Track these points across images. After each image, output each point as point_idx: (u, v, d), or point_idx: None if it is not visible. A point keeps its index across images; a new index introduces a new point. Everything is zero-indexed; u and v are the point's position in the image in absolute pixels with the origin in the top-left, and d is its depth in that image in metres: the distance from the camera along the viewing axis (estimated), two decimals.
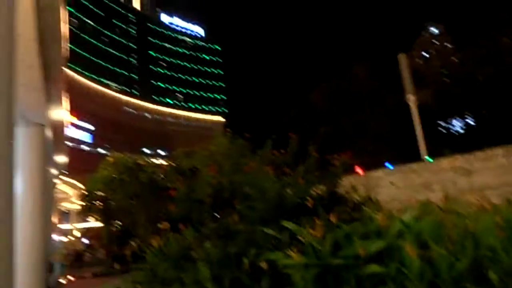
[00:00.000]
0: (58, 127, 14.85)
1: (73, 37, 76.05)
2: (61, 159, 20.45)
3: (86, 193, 19.98)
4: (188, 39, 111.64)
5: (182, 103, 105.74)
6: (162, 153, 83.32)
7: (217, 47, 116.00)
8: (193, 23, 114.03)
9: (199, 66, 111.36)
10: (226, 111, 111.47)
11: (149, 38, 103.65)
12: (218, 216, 5.26)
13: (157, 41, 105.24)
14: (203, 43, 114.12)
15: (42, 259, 10.91)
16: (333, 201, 4.93)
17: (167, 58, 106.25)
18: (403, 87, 15.55)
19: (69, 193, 38.07)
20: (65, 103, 13.86)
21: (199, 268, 4.49)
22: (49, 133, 13.24)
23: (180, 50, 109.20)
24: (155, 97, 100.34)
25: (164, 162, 17.43)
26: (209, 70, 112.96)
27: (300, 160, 5.29)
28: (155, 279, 5.41)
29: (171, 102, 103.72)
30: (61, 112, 13.38)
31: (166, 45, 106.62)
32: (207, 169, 5.84)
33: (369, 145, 26.97)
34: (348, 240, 3.54)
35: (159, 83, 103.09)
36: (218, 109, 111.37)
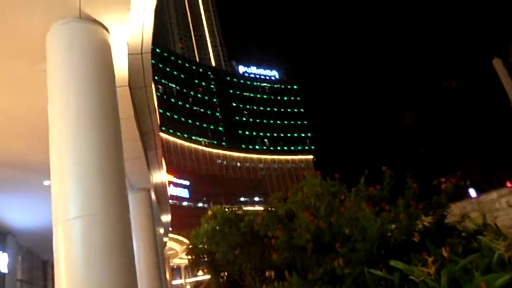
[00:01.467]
0: (160, 189, 15.94)
1: (162, 102, 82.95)
2: (166, 218, 21.80)
3: (192, 247, 20.82)
4: (265, 84, 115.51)
5: (270, 147, 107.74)
6: (258, 199, 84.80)
7: (294, 86, 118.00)
8: (268, 68, 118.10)
9: (280, 109, 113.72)
10: (313, 148, 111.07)
11: (228, 90, 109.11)
12: (322, 261, 5.17)
13: (237, 92, 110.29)
14: (280, 86, 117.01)
15: None
16: (443, 232, 4.57)
17: (248, 106, 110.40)
18: (504, 94, 14.34)
19: (177, 249, 40.09)
20: (163, 165, 14.91)
21: None
22: (153, 195, 14.23)
23: (258, 96, 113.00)
24: (243, 146, 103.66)
25: (261, 208, 17.68)
26: (290, 110, 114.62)
27: (399, 193, 5.04)
28: None
29: (259, 147, 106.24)
30: (162, 174, 14.40)
31: (245, 94, 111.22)
32: (303, 214, 5.83)
33: (479, 163, 24.53)
34: (467, 275, 3.24)
35: (245, 132, 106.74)
36: (306, 147, 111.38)
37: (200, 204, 79.77)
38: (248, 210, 17.14)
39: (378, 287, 4.06)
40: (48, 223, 9.26)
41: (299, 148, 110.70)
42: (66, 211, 3.96)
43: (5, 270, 13.54)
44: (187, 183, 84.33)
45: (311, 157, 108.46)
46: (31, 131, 7.36)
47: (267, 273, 5.22)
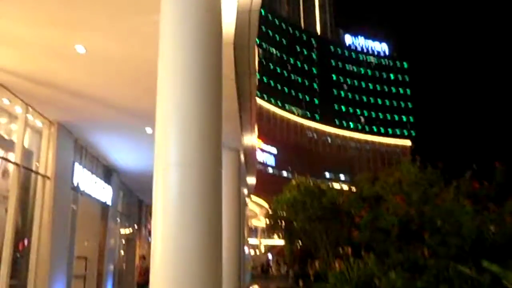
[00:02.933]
0: (249, 152, 16.39)
1: (260, 67, 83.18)
2: (251, 180, 22.57)
3: (271, 212, 21.42)
4: (371, 58, 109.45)
5: (365, 126, 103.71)
6: (343, 178, 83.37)
7: (404, 64, 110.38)
8: (378, 41, 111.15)
9: (383, 86, 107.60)
10: (414, 134, 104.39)
11: (330, 61, 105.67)
12: (405, 248, 5.01)
13: (339, 64, 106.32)
14: (388, 61, 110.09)
15: (238, 267, 12.17)
16: None
17: (349, 80, 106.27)
18: None
19: (256, 211, 41.65)
20: (255, 129, 15.22)
21: None
22: (242, 157, 14.69)
23: (362, 70, 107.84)
24: (337, 121, 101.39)
25: (345, 187, 17.43)
26: (394, 90, 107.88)
27: (509, 194, 4.58)
28: None
29: (353, 125, 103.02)
30: (253, 138, 14.77)
31: (348, 66, 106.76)
32: (393, 198, 5.62)
33: None
34: None
35: (341, 107, 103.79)
36: (405, 132, 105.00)
37: (284, 173, 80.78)
38: (332, 186, 17.05)
39: (463, 285, 3.81)
40: (145, 167, 9.97)
41: (397, 132, 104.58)
42: (166, 158, 4.18)
43: (109, 202, 15.25)
44: (274, 150, 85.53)
45: (408, 143, 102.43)
46: (140, 80, 7.77)
47: (344, 249, 5.22)
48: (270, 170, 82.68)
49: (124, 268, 19.36)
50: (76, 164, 11.81)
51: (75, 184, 11.71)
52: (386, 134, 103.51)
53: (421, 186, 5.90)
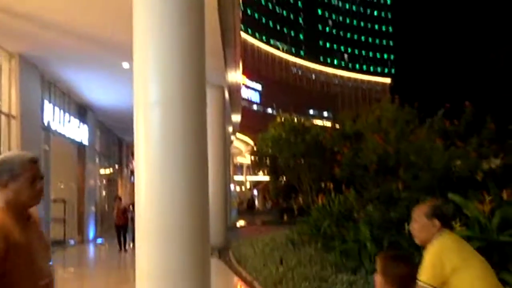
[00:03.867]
0: (234, 89, 16.39)
1: None
2: (236, 117, 22.78)
3: (256, 149, 21.91)
4: None
5: (348, 64, 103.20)
6: (326, 114, 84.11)
7: (387, 0, 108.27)
8: None
9: (367, 23, 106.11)
10: (393, 72, 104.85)
11: None
12: (382, 183, 5.43)
13: None
14: None
15: (224, 203, 12.68)
16: (509, 176, 4.54)
17: (334, 16, 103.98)
18: None
19: (242, 148, 42.35)
20: (240, 65, 15.07)
21: (360, 228, 4.83)
22: (227, 94, 14.68)
23: (347, 5, 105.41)
24: (321, 58, 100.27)
25: (328, 124, 17.86)
26: (377, 27, 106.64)
27: (475, 132, 4.97)
28: (318, 233, 5.99)
29: (337, 62, 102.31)
30: (237, 74, 14.68)
31: (333, 1, 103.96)
32: (373, 136, 5.96)
33: None
34: None
35: (325, 43, 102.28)
36: (385, 70, 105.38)
37: (269, 110, 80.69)
38: (315, 123, 17.43)
39: None
40: (124, 104, 9.49)
41: (378, 70, 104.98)
42: (146, 96, 3.99)
43: (86, 142, 14.68)
44: (259, 87, 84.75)
45: (388, 81, 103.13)
46: (110, 7, 7.06)
47: (327, 184, 5.64)
48: (255, 107, 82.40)
49: (106, 209, 18.93)
50: (46, 101, 10.87)
51: (46, 123, 10.92)
52: (368, 72, 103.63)
53: (399, 124, 6.21)
